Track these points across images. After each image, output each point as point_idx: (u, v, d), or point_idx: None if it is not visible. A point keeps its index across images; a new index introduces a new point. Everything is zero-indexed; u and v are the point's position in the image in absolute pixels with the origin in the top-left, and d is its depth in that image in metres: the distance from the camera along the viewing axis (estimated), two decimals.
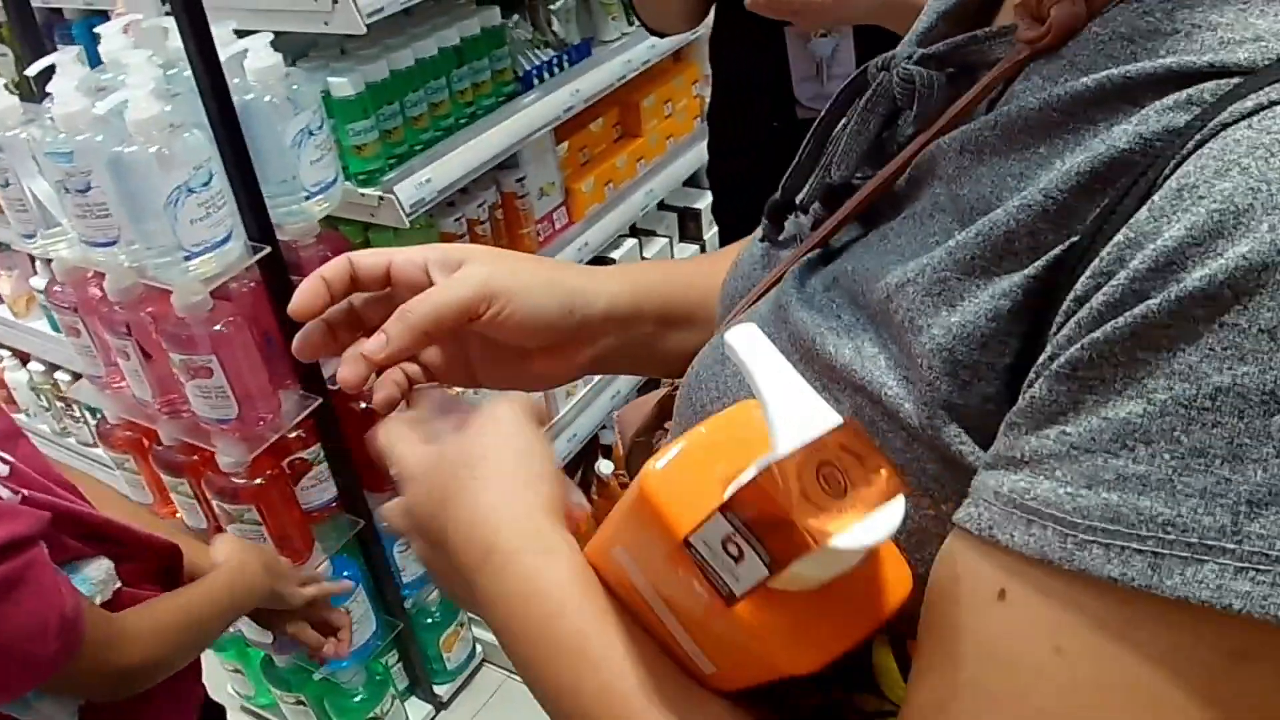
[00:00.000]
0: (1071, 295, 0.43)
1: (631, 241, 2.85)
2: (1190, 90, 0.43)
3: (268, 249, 1.72)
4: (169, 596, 1.35)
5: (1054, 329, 0.44)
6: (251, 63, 1.68)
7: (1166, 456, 0.38)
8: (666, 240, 3.04)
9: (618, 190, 2.65)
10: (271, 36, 1.70)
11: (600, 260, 2.62)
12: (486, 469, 0.64)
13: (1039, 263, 0.46)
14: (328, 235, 1.89)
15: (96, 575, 1.28)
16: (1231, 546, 0.37)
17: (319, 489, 2.06)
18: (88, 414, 2.79)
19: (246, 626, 2.16)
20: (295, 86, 1.72)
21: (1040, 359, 0.44)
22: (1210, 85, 0.42)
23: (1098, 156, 0.44)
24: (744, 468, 0.45)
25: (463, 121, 2.11)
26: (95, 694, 1.25)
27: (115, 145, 1.55)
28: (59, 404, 2.91)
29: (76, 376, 2.66)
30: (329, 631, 1.73)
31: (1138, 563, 0.38)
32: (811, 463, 0.44)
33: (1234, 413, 0.37)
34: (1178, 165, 0.41)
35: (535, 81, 2.29)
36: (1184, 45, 0.45)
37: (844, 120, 0.67)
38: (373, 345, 0.73)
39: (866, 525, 0.43)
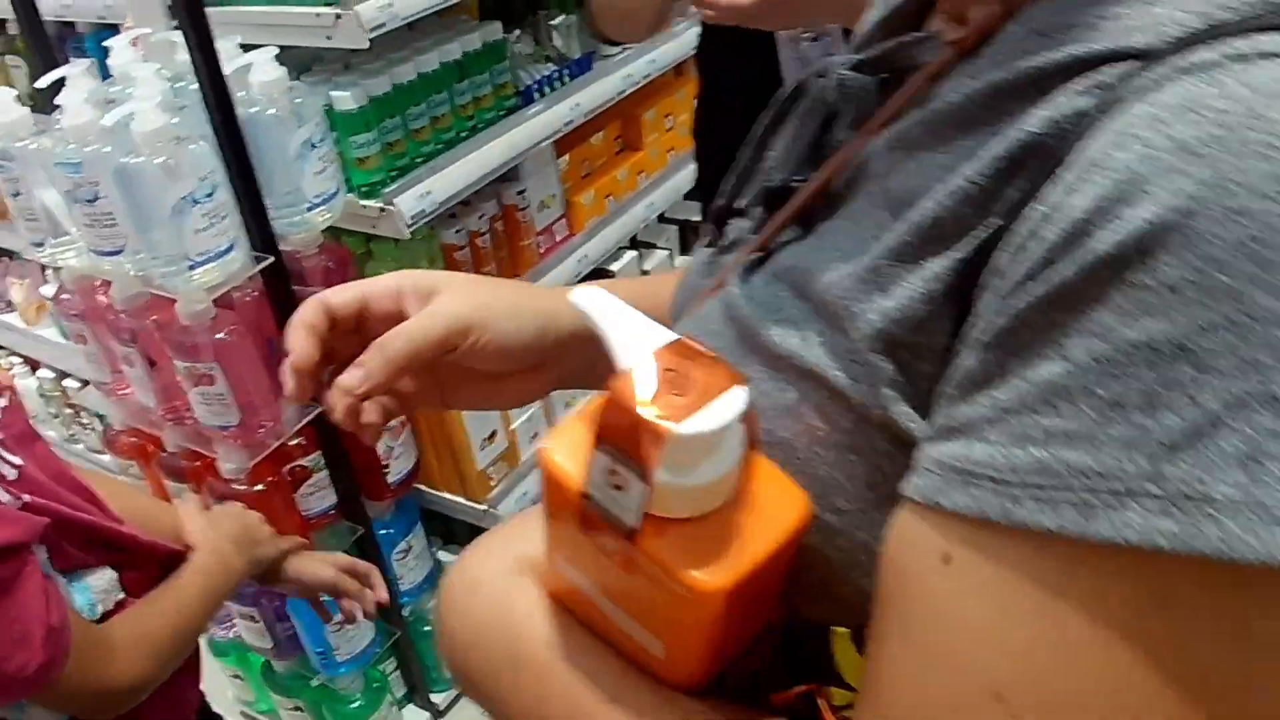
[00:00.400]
0: (995, 266, 0.46)
1: (631, 254, 2.88)
2: (1094, 75, 0.46)
3: (270, 259, 1.76)
4: (153, 601, 1.35)
5: (978, 298, 0.47)
6: (256, 76, 1.72)
7: (1088, 411, 0.40)
8: (667, 253, 3.07)
9: (618, 203, 2.68)
10: (276, 50, 1.73)
11: (600, 273, 2.65)
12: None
13: (966, 246, 0.48)
14: (330, 246, 1.93)
15: (99, 584, 1.30)
16: (1154, 490, 0.38)
17: (318, 496, 2.09)
18: (96, 420, 2.82)
19: (246, 631, 2.20)
20: (299, 100, 1.75)
21: (967, 329, 0.47)
22: (1112, 69, 0.45)
23: (1014, 142, 0.47)
24: None
25: (464, 135, 2.15)
26: (88, 712, 1.25)
27: (122, 156, 1.59)
28: (67, 410, 2.94)
29: (85, 384, 2.70)
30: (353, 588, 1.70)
31: (1069, 513, 0.40)
32: (656, 375, 0.47)
33: (1146, 364, 0.39)
34: (1084, 143, 0.44)
35: (536, 95, 2.32)
36: (1089, 35, 0.47)
37: (781, 127, 0.70)
38: (353, 380, 0.75)
39: (708, 412, 0.46)
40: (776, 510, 0.52)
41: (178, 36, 1.72)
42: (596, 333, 0.53)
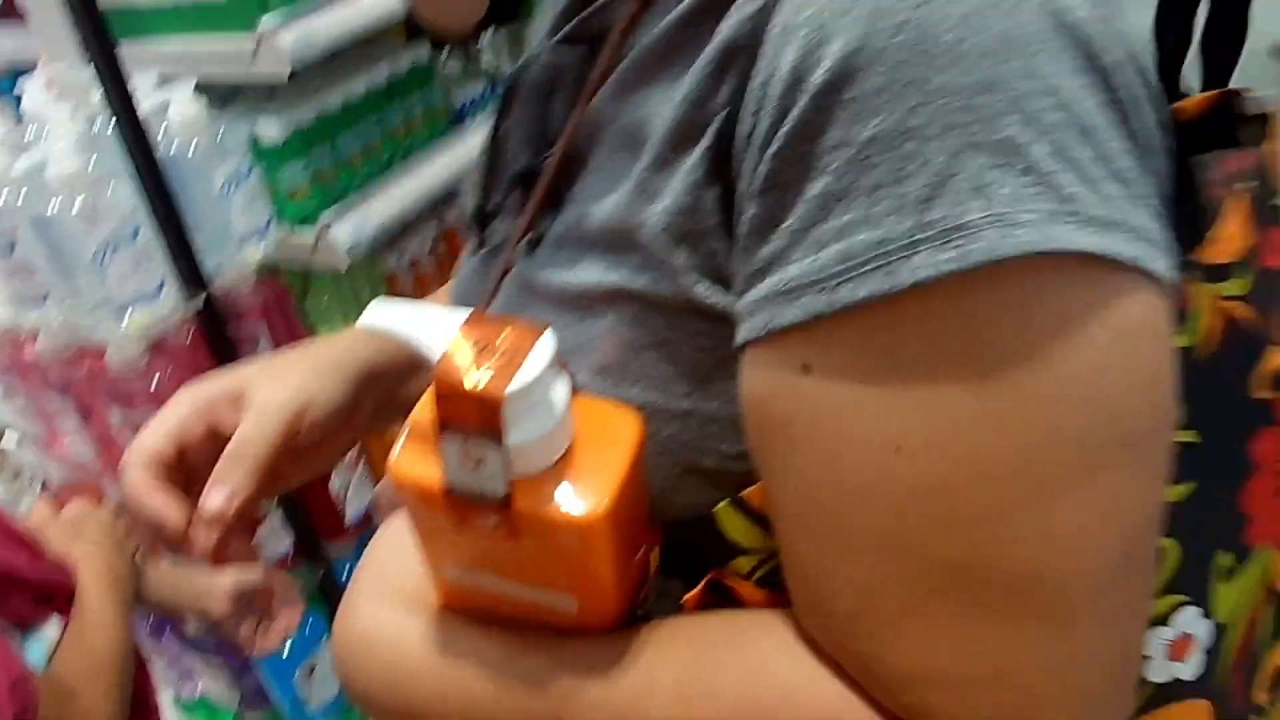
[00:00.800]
0: (739, 137, 0.54)
1: None
2: None
3: (202, 298, 1.69)
4: (79, 634, 1.27)
5: (737, 165, 0.54)
6: (175, 113, 1.66)
7: (859, 199, 0.48)
8: None
9: None
10: (194, 84, 1.67)
11: None
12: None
13: (708, 136, 0.56)
14: (266, 282, 1.87)
15: (51, 637, 1.25)
16: (926, 235, 0.47)
17: (273, 540, 2.02)
18: (35, 478, 2.74)
19: (211, 684, 2.14)
20: (221, 133, 1.69)
21: (740, 190, 0.54)
22: None
23: (716, 48, 0.55)
24: None
25: (398, 160, 2.09)
26: None
27: (38, 204, 1.53)
28: (6, 470, 2.86)
29: (21, 441, 2.62)
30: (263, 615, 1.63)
31: (877, 278, 0.48)
32: (470, 351, 0.52)
33: (883, 151, 0.48)
34: (774, 20, 0.52)
35: (469, 115, 2.27)
36: None
37: (508, 119, 0.76)
38: (219, 501, 0.73)
39: (527, 365, 0.52)
40: (616, 431, 0.57)
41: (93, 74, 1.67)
42: (399, 339, 0.56)
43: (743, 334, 0.54)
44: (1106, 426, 0.49)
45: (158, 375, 1.66)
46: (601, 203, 0.62)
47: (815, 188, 0.50)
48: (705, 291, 0.57)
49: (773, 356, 0.53)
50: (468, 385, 0.51)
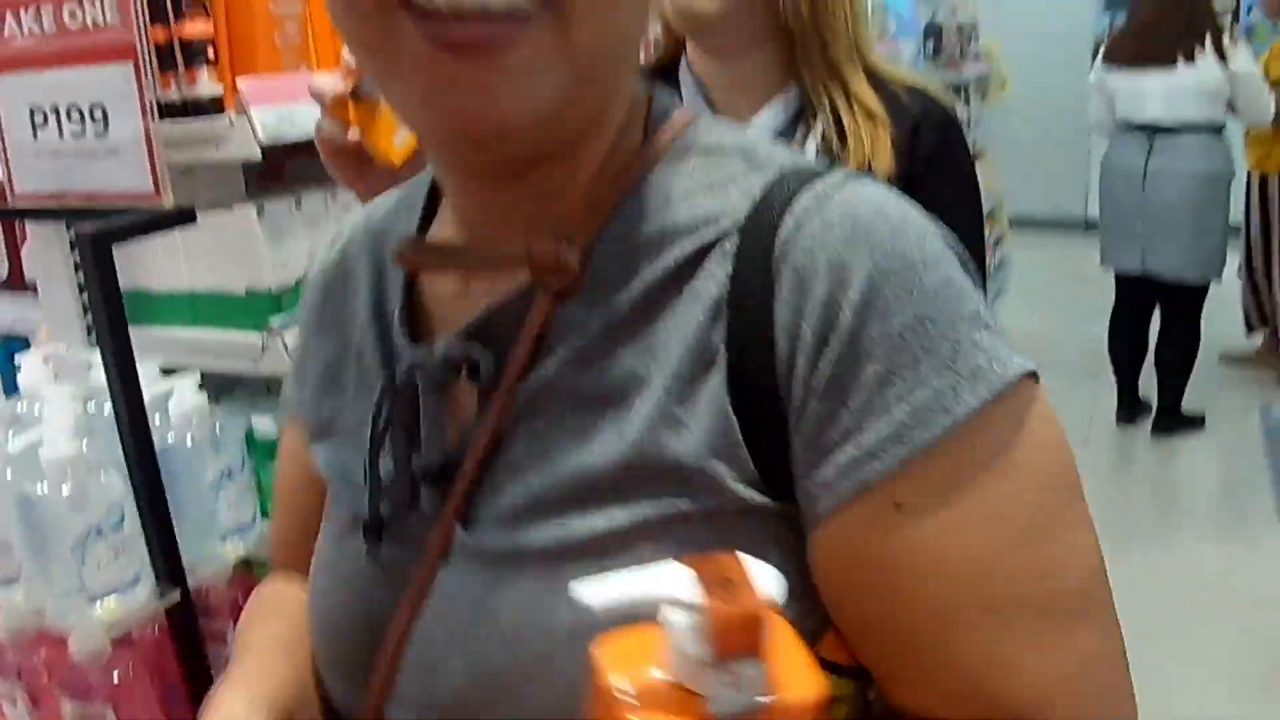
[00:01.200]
0: (779, 360, 0.68)
1: None
2: (714, 238, 0.72)
3: (177, 595, 1.65)
4: None
5: (784, 381, 0.68)
6: (176, 405, 1.66)
7: (906, 371, 0.66)
8: None
9: None
10: (198, 377, 1.68)
11: None
12: None
13: (719, 365, 0.69)
14: (242, 578, 1.82)
15: None
16: (962, 379, 0.66)
17: None
18: None
19: None
20: (219, 427, 1.69)
21: (793, 397, 0.68)
22: (718, 231, 0.72)
23: (711, 300, 0.70)
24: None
25: None
26: None
27: (26, 483, 1.50)
28: None
29: None
30: None
31: (940, 419, 0.66)
32: (708, 586, 0.55)
33: (912, 334, 0.66)
34: (766, 270, 0.69)
35: None
36: (683, 227, 0.73)
37: (388, 432, 0.81)
38: None
39: (763, 583, 0.56)
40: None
41: (95, 357, 1.67)
42: (634, 602, 0.57)
43: (826, 503, 0.68)
44: (1070, 470, 0.71)
45: (118, 670, 1.59)
46: (587, 455, 0.71)
47: (869, 373, 0.66)
48: (746, 492, 0.69)
49: (863, 510, 0.67)
50: (747, 608, 0.54)
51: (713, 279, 0.71)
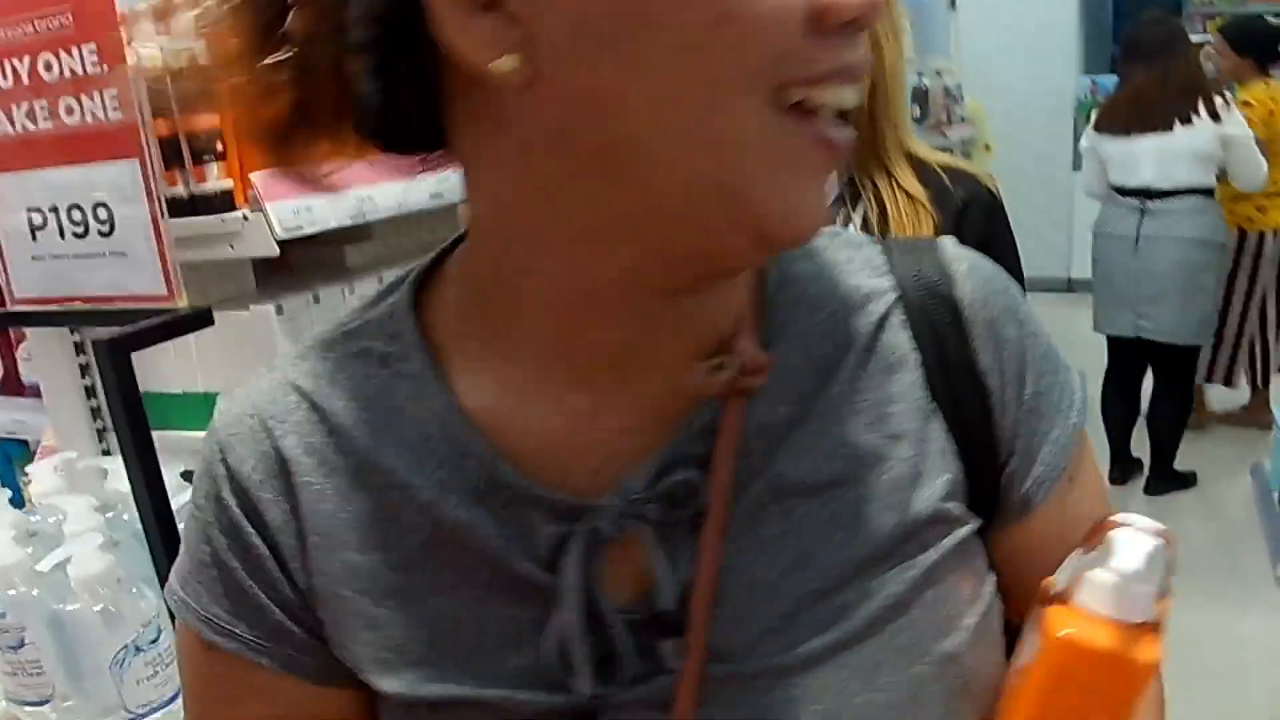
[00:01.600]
0: (994, 394, 0.78)
1: None
2: (885, 310, 0.78)
3: None
4: None
5: (998, 410, 0.78)
6: None
7: (1054, 378, 0.82)
8: None
9: None
10: None
11: None
12: None
13: (933, 413, 0.77)
14: None
15: None
16: (1073, 403, 0.82)
17: None
18: None
19: None
20: None
21: (1005, 422, 0.79)
22: (886, 303, 0.79)
23: (911, 363, 0.77)
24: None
25: None
26: None
27: (56, 602, 1.46)
28: None
29: None
30: None
31: (1079, 407, 0.82)
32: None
33: (1045, 353, 0.81)
34: (958, 325, 0.79)
35: None
36: (850, 304, 0.78)
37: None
38: None
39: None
40: None
41: (110, 463, 1.63)
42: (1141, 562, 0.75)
43: (1041, 494, 0.80)
44: None
45: None
46: (847, 540, 0.72)
47: (1043, 384, 0.80)
48: (969, 518, 0.78)
49: (1061, 487, 0.80)
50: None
51: (898, 344, 0.77)
